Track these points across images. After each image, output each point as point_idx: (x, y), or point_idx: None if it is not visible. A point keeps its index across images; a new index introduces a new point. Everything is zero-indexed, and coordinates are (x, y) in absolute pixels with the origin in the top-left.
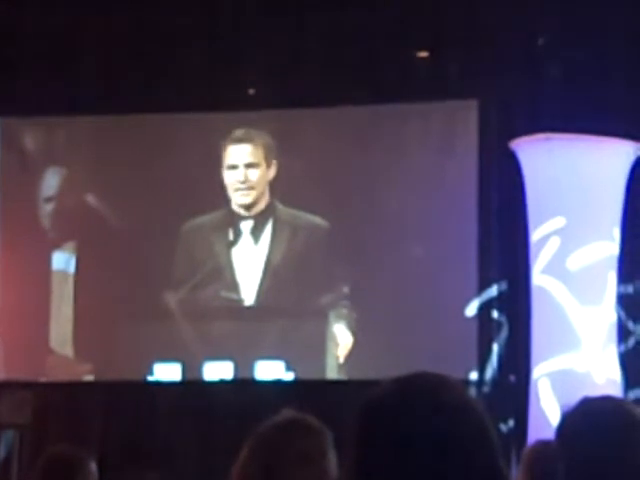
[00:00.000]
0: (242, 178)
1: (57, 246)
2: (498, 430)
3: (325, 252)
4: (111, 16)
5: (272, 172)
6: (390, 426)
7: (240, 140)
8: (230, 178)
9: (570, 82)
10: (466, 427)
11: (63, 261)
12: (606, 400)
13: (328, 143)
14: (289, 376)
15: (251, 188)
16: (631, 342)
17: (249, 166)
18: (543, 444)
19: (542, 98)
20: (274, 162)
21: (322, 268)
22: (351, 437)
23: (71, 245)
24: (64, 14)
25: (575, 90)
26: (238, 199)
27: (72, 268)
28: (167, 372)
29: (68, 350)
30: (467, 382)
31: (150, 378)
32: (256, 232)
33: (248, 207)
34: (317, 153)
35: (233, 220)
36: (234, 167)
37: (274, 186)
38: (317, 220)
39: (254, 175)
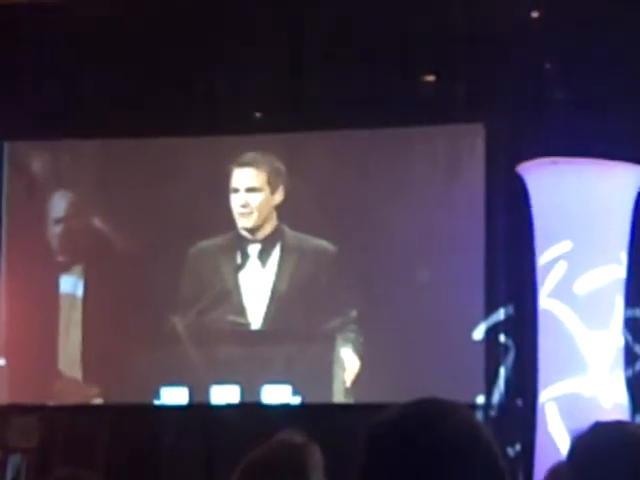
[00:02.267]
0: (242, 202)
1: (65, 269)
2: (505, 454)
3: (332, 276)
4: (120, 39)
5: (278, 197)
6: (396, 455)
7: (244, 164)
8: (233, 202)
9: (577, 106)
10: (473, 454)
11: (71, 284)
12: (617, 424)
13: (335, 166)
14: (296, 400)
15: (251, 212)
16: (638, 366)
17: (250, 190)
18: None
19: (549, 122)
20: (281, 187)
21: (329, 292)
22: (358, 464)
23: (79, 268)
24: (68, 37)
25: (582, 114)
26: (241, 222)
27: (80, 291)
28: (174, 396)
29: (76, 373)
30: (474, 406)
31: (157, 402)
32: (263, 256)
33: (252, 231)
34: (324, 176)
35: (240, 244)
36: (236, 191)
37: (281, 210)
38: (324, 244)
39: (254, 199)
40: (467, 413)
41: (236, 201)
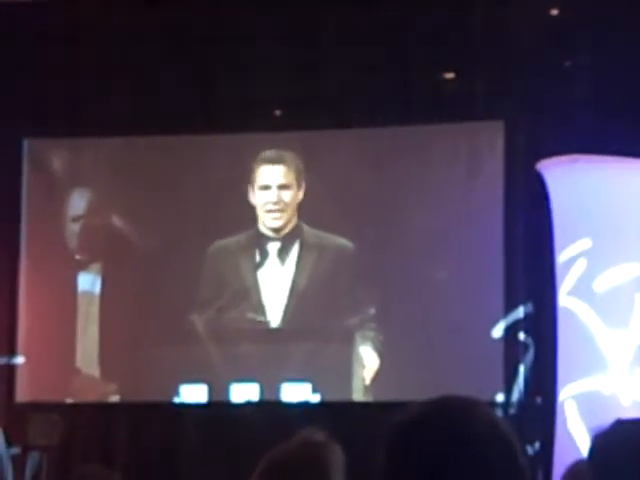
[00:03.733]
0: (275, 199)
1: (83, 267)
2: (525, 452)
3: (351, 274)
4: (141, 39)
5: (301, 194)
6: (417, 453)
7: (274, 161)
8: (262, 199)
9: (597, 103)
10: (494, 452)
11: (89, 282)
12: (638, 422)
13: (354, 164)
14: (315, 398)
15: (282, 210)
16: None
17: (282, 187)
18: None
19: (569, 119)
20: (303, 184)
21: (348, 290)
22: (378, 463)
23: (97, 266)
24: (90, 36)
25: (602, 111)
26: (269, 221)
27: (98, 289)
28: (193, 394)
29: (94, 371)
30: (493, 404)
31: (176, 399)
32: (282, 254)
33: (278, 229)
34: (343, 174)
35: (260, 242)
36: (267, 187)
37: (301, 207)
38: (343, 242)
39: (287, 196)
40: (488, 410)
41: (266, 198)
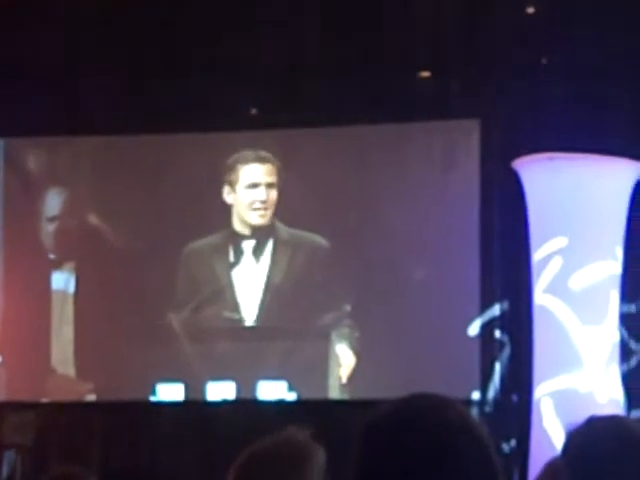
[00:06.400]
0: (264, 197)
1: (57, 266)
2: (500, 450)
3: (326, 271)
4: (112, 36)
5: (277, 193)
6: (391, 448)
7: (261, 160)
8: (249, 197)
9: (573, 101)
10: (467, 450)
11: (63, 281)
12: (612, 419)
13: (329, 162)
14: (291, 396)
15: (267, 208)
16: (633, 362)
17: (269, 185)
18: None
19: (545, 117)
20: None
21: (323, 287)
22: (353, 458)
23: (71, 265)
24: (65, 33)
25: (578, 109)
26: (254, 219)
27: (72, 288)
28: (170, 392)
29: (70, 370)
30: (469, 402)
31: (153, 398)
32: (257, 252)
33: (258, 227)
34: (318, 172)
35: (234, 240)
36: (255, 185)
37: (276, 206)
38: (318, 239)
39: (273, 195)
40: (460, 409)
41: (254, 196)
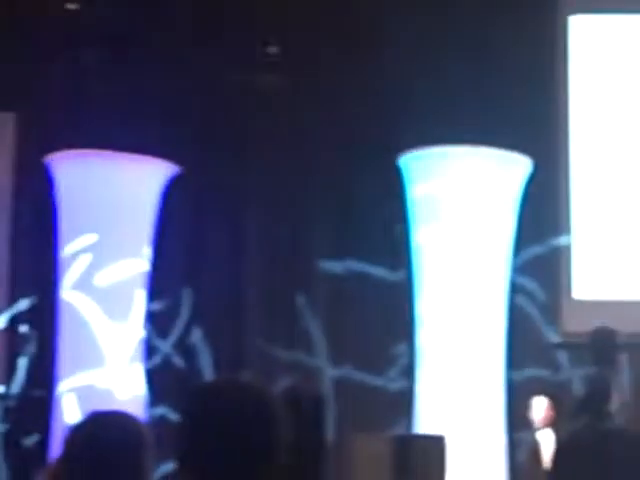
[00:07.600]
0: None
1: None
2: (19, 446)
3: None
4: None
5: None
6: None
7: None
8: None
9: (111, 101)
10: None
11: None
12: (113, 414)
13: None
14: None
15: None
16: (157, 359)
17: None
18: None
19: (82, 115)
20: None
21: None
22: None
23: None
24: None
25: (116, 109)
26: None
27: None
28: None
29: None
30: None
31: None
32: None
33: None
34: None
35: None
36: None
37: None
38: None
39: None
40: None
41: None
